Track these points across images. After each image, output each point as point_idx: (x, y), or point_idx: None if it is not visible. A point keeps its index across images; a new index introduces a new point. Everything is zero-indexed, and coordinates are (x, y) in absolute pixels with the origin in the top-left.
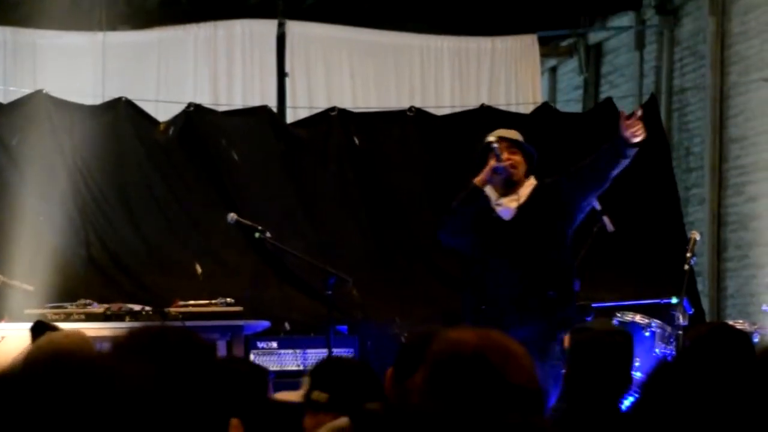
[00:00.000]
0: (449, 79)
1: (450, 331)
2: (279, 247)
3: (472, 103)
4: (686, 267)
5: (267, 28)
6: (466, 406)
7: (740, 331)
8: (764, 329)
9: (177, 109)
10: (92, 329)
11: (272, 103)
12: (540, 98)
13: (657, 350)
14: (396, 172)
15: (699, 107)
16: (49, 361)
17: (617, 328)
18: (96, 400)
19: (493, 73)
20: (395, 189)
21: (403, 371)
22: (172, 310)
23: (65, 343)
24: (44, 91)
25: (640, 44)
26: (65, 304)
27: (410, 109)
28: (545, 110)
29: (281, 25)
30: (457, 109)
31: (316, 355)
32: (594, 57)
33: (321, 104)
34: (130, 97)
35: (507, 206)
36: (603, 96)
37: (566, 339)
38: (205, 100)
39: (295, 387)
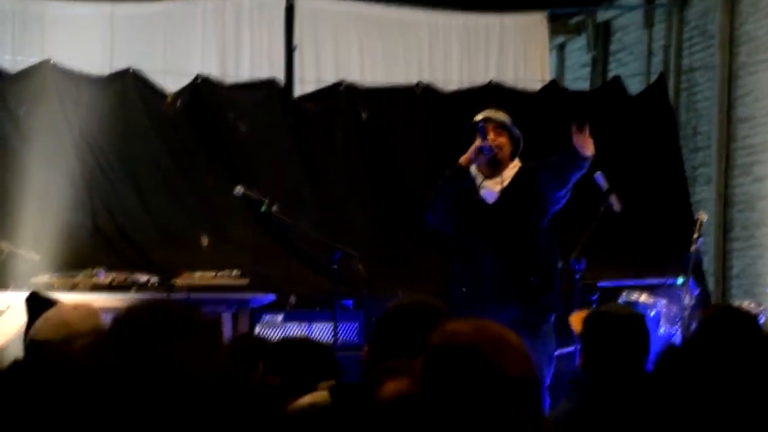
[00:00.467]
0: (457, 55)
1: (448, 323)
2: (285, 220)
3: (480, 80)
4: (692, 248)
5: (275, 0)
6: (461, 398)
7: (747, 313)
8: None
9: (185, 80)
10: (98, 300)
11: (280, 76)
12: (548, 76)
13: (662, 330)
14: (402, 147)
15: (707, 87)
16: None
17: (634, 312)
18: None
19: (501, 50)
20: (401, 164)
21: (378, 348)
22: (178, 282)
23: (74, 316)
24: (52, 62)
25: (649, 23)
26: (73, 273)
27: (418, 85)
28: (553, 88)
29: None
30: (465, 86)
31: (321, 328)
32: (602, 35)
33: (329, 78)
34: (138, 68)
35: (491, 189)
36: (611, 74)
37: (574, 320)
38: (213, 72)
39: None
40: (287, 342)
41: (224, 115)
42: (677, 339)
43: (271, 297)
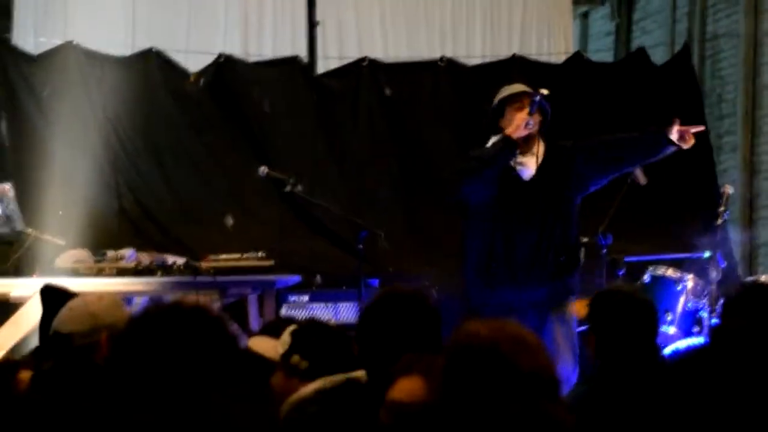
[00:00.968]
0: (480, 28)
1: (467, 323)
2: (309, 200)
3: (503, 52)
4: (719, 221)
5: None
6: (483, 397)
7: None
8: None
9: (207, 59)
10: (124, 284)
11: (303, 53)
12: (572, 47)
13: (689, 305)
14: (427, 122)
15: (732, 54)
16: None
17: (638, 288)
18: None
19: (524, 22)
20: (426, 140)
21: (364, 334)
22: (204, 264)
23: (100, 307)
24: (74, 42)
25: None
26: (103, 251)
27: (441, 59)
28: (577, 60)
29: None
30: (488, 59)
31: (347, 308)
32: (626, 3)
33: (352, 53)
34: (160, 47)
35: (526, 166)
36: (635, 42)
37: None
38: (236, 50)
39: None
40: (321, 326)
41: (247, 93)
42: (704, 312)
43: (296, 278)
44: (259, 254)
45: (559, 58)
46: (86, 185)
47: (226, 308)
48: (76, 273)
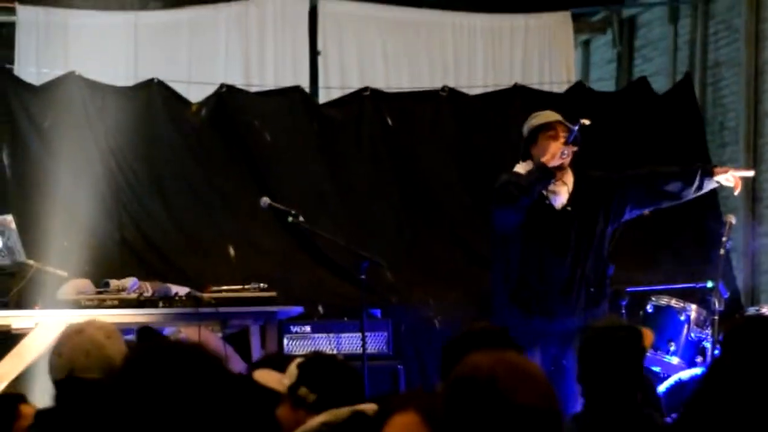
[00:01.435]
0: (482, 58)
1: (470, 355)
2: (312, 230)
3: (505, 82)
4: (722, 251)
5: (299, 5)
6: (478, 429)
7: None
8: None
9: (209, 89)
10: (126, 316)
11: (305, 82)
12: (573, 76)
13: (692, 335)
14: (429, 152)
15: (733, 81)
16: None
17: (624, 324)
18: None
19: (526, 51)
20: (428, 170)
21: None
22: (206, 295)
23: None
24: (76, 73)
25: (674, 18)
26: (106, 280)
27: (443, 88)
28: (579, 89)
29: (313, 3)
30: (490, 88)
31: (349, 339)
32: (627, 31)
33: (353, 83)
34: (162, 77)
35: (559, 194)
36: (637, 70)
37: None
38: (237, 80)
39: None
40: (329, 360)
41: (249, 123)
42: (708, 342)
43: (298, 309)
44: (261, 285)
45: (561, 87)
46: (88, 216)
47: (229, 339)
48: (78, 305)
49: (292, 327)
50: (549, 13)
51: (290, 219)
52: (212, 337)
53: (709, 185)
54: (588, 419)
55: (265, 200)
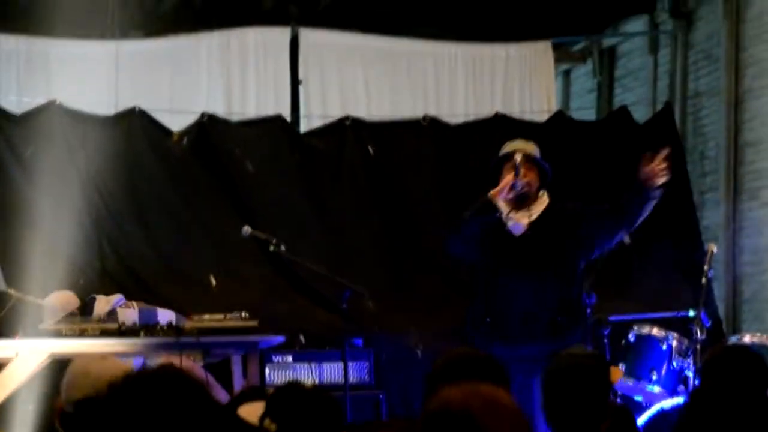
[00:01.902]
0: (463, 87)
1: (442, 389)
2: (293, 259)
3: (486, 111)
4: (703, 280)
5: (280, 35)
6: None
7: (755, 354)
8: None
9: (190, 118)
10: (107, 346)
11: (286, 112)
12: (554, 105)
13: (674, 363)
14: (410, 181)
15: (713, 111)
16: None
17: (588, 353)
18: None
19: (507, 81)
20: (410, 199)
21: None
22: (188, 325)
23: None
24: (57, 102)
25: (654, 48)
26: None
27: (424, 118)
28: (559, 119)
29: (294, 33)
30: (471, 118)
31: (331, 368)
32: (608, 60)
33: (335, 112)
34: (143, 106)
35: (518, 222)
36: (617, 99)
37: None
38: (219, 109)
39: None
40: (297, 387)
41: (231, 152)
42: (689, 371)
43: (280, 338)
44: (243, 314)
45: (542, 116)
46: (69, 245)
47: (210, 368)
48: (59, 334)
49: (273, 356)
50: (529, 42)
51: (272, 248)
52: (194, 367)
53: (654, 190)
54: None
55: (247, 229)
